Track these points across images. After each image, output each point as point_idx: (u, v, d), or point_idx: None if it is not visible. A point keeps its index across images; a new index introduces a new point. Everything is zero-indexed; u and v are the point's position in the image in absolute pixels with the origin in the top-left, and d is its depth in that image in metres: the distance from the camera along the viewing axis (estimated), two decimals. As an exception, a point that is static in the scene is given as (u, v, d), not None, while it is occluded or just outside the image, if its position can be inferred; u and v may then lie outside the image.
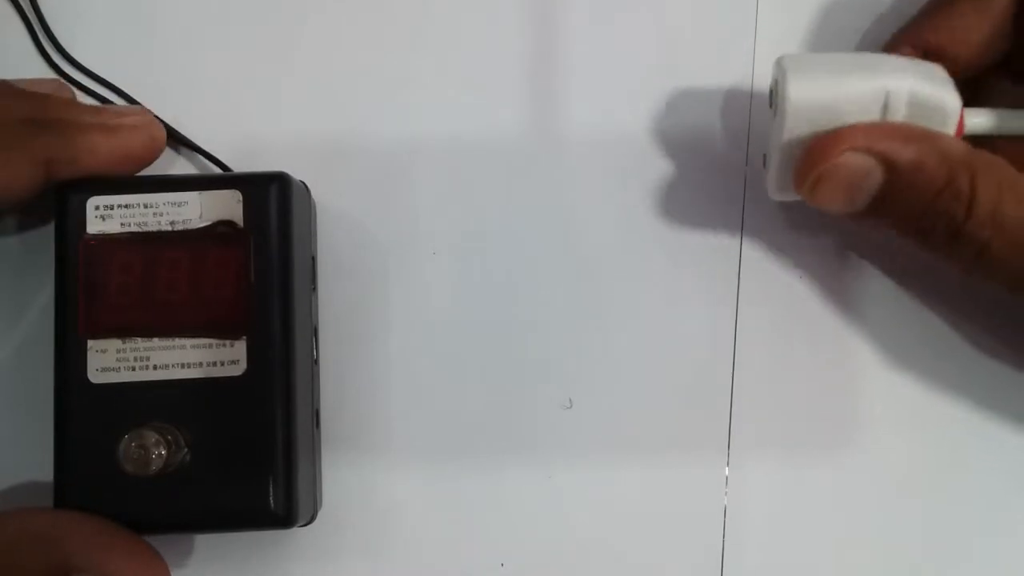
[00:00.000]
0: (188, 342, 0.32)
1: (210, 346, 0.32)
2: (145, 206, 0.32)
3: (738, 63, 0.37)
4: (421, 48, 0.37)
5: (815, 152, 0.31)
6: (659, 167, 0.37)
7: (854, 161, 0.30)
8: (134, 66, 0.37)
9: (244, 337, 0.32)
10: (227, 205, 0.32)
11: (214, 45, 0.37)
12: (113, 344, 0.32)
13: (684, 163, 0.37)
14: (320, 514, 0.35)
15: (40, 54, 0.37)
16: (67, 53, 0.37)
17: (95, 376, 0.32)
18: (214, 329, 0.32)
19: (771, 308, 0.37)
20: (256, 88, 0.37)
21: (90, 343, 0.32)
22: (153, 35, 0.37)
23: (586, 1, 0.37)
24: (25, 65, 0.37)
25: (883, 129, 0.31)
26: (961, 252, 0.31)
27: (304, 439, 0.33)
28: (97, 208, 0.32)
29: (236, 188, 0.32)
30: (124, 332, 0.32)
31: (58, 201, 0.32)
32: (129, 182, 0.33)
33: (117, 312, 0.32)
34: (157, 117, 0.35)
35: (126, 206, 0.32)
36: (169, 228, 0.32)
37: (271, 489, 0.31)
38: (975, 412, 0.36)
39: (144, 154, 0.33)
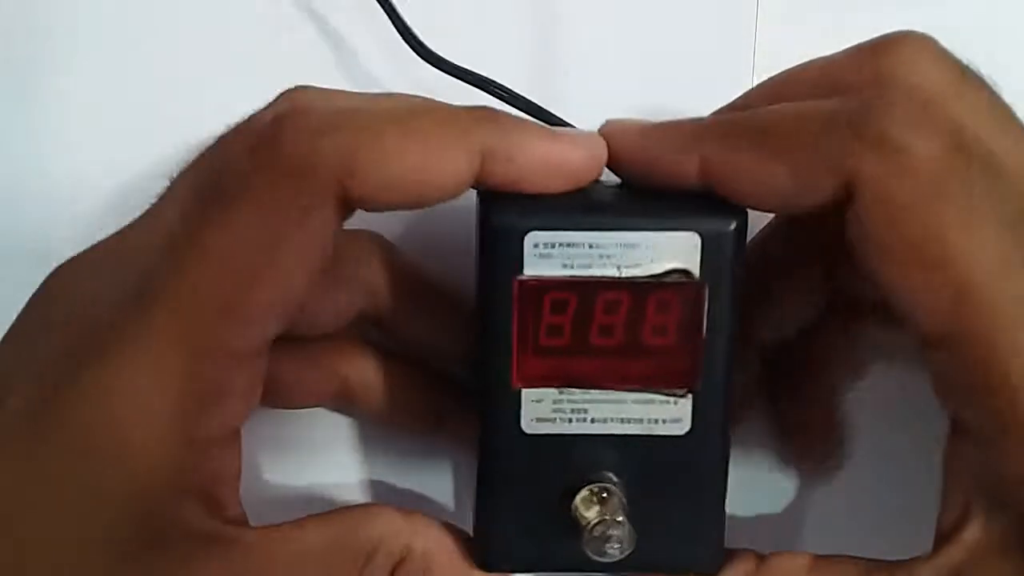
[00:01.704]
0: (630, 396, 0.29)
1: (653, 402, 0.29)
2: (590, 246, 0.28)
3: (739, 61, 0.37)
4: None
5: None
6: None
7: None
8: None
9: (689, 395, 0.29)
10: (683, 250, 0.28)
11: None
12: (549, 394, 0.29)
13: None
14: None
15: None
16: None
17: (530, 427, 0.29)
18: (659, 385, 0.29)
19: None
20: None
21: (525, 392, 0.29)
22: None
23: (586, 1, 0.37)
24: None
25: None
26: None
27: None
28: (536, 245, 0.28)
29: (694, 230, 0.28)
30: (561, 381, 0.29)
31: (489, 233, 0.28)
32: (570, 211, 0.28)
33: (555, 360, 0.29)
34: None
35: (569, 244, 0.28)
36: (616, 274, 0.28)
37: (706, 550, 0.30)
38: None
39: (581, 171, 0.28)
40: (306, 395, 0.33)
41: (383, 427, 0.35)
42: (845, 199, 0.26)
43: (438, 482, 0.37)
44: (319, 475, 0.37)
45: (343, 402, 0.34)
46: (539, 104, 0.31)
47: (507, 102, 0.31)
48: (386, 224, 0.34)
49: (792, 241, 0.33)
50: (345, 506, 0.30)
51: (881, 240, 0.26)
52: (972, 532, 0.28)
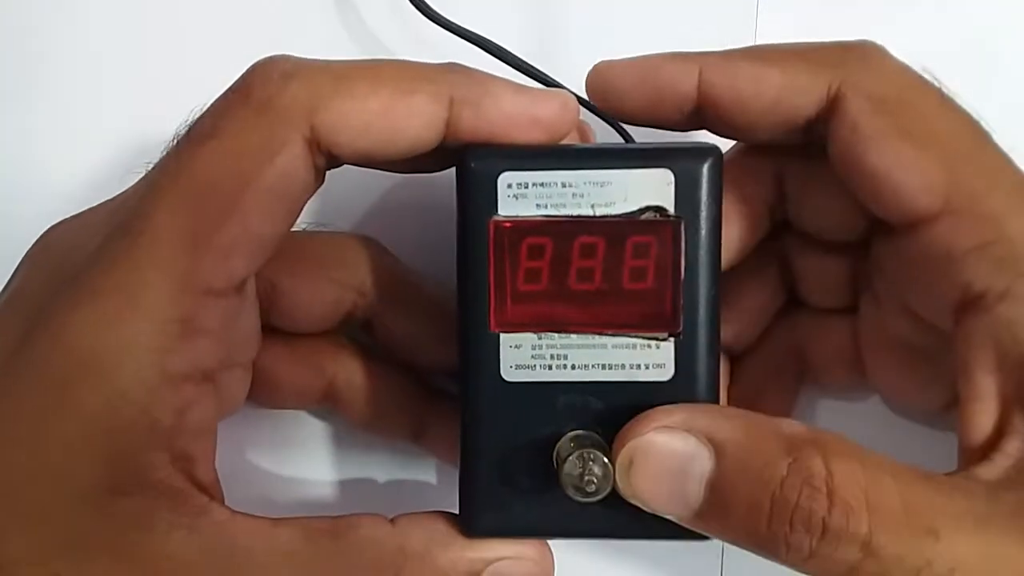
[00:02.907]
0: (610, 341, 0.29)
1: (634, 347, 0.28)
2: (563, 185, 0.28)
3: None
4: (416, 43, 0.37)
5: (624, 431, 0.28)
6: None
7: (670, 442, 0.27)
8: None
9: (671, 339, 0.28)
10: (656, 187, 0.28)
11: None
12: (528, 339, 0.29)
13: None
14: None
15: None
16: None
17: (509, 374, 0.29)
18: (639, 328, 0.28)
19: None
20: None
21: (504, 337, 0.29)
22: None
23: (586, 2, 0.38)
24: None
25: (701, 407, 0.28)
26: (838, 558, 0.25)
27: None
28: (510, 186, 0.28)
29: (667, 167, 0.28)
30: (540, 326, 0.28)
31: (465, 175, 0.28)
32: (544, 155, 0.29)
33: (532, 304, 0.28)
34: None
35: (542, 184, 0.28)
36: (591, 213, 0.28)
37: None
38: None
39: (552, 122, 0.29)
40: (295, 393, 0.34)
41: (365, 433, 0.35)
42: (829, 108, 0.29)
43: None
44: (305, 471, 0.37)
45: (329, 403, 0.34)
46: (540, 69, 0.32)
47: (507, 63, 0.32)
48: (379, 223, 0.35)
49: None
50: (327, 516, 0.29)
51: (873, 129, 0.28)
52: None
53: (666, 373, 0.29)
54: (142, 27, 0.37)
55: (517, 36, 0.36)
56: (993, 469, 0.27)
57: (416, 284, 0.34)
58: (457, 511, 0.30)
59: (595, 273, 0.28)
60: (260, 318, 0.32)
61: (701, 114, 0.30)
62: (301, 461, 0.37)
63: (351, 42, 0.37)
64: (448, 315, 0.31)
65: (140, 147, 0.35)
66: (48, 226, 0.30)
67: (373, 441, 0.36)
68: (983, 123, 0.29)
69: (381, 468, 0.37)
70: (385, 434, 0.35)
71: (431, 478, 0.36)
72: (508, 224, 0.28)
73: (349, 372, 0.34)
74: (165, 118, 0.29)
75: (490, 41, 0.32)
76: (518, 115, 0.28)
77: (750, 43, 0.36)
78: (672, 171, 0.28)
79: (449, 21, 0.33)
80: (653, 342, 0.29)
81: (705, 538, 0.28)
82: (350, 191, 0.33)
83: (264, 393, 0.33)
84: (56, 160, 0.37)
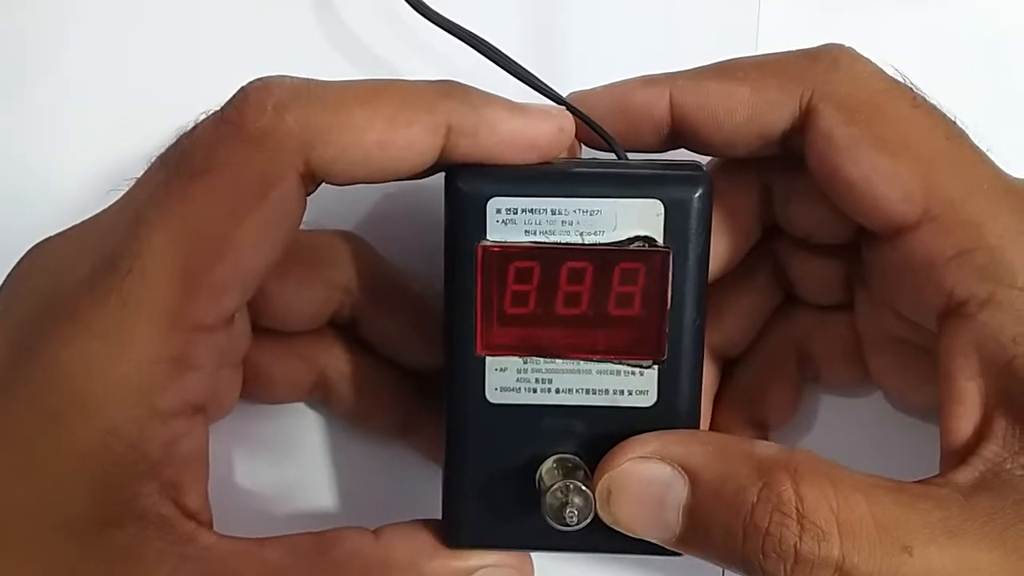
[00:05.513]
0: (594, 367, 0.29)
1: (618, 373, 0.29)
2: (553, 212, 0.28)
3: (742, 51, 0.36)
4: (415, 43, 0.36)
5: (602, 463, 0.28)
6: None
7: (646, 471, 0.28)
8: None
9: (655, 366, 0.29)
10: (646, 217, 0.28)
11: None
12: (514, 362, 0.29)
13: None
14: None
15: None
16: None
17: (494, 396, 0.29)
18: (624, 355, 0.29)
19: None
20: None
21: (489, 360, 0.29)
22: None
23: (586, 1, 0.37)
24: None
25: (676, 434, 0.28)
26: None
27: None
28: (499, 211, 0.28)
29: (657, 198, 0.28)
30: (525, 350, 0.29)
31: (454, 198, 0.28)
32: (534, 179, 0.28)
33: (520, 329, 0.29)
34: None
35: (531, 211, 0.28)
36: (579, 240, 0.28)
37: None
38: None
39: (548, 146, 0.29)
40: (287, 386, 0.34)
41: (354, 427, 0.36)
42: (803, 120, 0.29)
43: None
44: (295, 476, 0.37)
45: (321, 395, 0.34)
46: (529, 69, 0.31)
47: (497, 63, 0.31)
48: (367, 222, 0.35)
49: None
50: (312, 532, 0.29)
51: (847, 140, 0.28)
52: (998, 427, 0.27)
53: (648, 399, 0.29)
54: (134, 30, 0.37)
55: (514, 33, 0.36)
56: (969, 473, 0.27)
57: (401, 283, 0.34)
58: (438, 516, 0.30)
59: (582, 298, 0.29)
60: (249, 319, 0.32)
61: (677, 135, 0.30)
62: (289, 465, 0.37)
63: (343, 39, 0.36)
64: (432, 314, 0.31)
65: (132, 155, 0.34)
66: (38, 231, 0.30)
67: (359, 446, 0.37)
68: (959, 122, 0.29)
69: (367, 473, 0.37)
70: (373, 428, 0.35)
71: (417, 485, 0.37)
72: (496, 249, 0.28)
73: (340, 363, 0.34)
74: (156, 122, 0.29)
75: (486, 43, 0.31)
76: (514, 140, 0.28)
77: (752, 43, 0.36)
78: (662, 202, 0.28)
79: (445, 19, 0.32)
80: (637, 369, 0.29)
81: (679, 554, 0.29)
82: (337, 193, 0.33)
83: (256, 388, 0.33)
84: (48, 168, 0.37)
